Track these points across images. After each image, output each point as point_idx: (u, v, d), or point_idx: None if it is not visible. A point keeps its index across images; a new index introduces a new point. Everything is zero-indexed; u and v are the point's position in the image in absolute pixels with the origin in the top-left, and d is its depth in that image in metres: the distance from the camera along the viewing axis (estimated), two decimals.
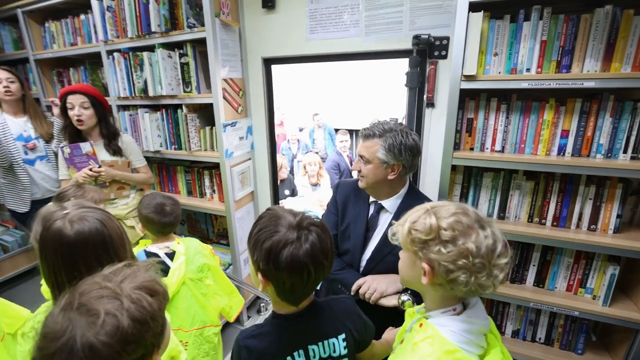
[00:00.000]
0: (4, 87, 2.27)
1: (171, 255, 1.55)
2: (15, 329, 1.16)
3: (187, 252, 1.56)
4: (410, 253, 0.82)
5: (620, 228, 1.52)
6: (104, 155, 2.11)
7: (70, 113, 2.01)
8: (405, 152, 1.31)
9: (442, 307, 0.80)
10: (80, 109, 2.00)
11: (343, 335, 0.97)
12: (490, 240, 0.74)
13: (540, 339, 1.79)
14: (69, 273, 0.87)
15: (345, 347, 0.97)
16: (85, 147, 2.03)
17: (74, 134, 2.08)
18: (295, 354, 0.92)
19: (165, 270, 1.51)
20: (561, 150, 1.54)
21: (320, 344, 0.95)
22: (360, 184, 1.43)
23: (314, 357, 0.94)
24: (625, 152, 1.45)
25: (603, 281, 1.55)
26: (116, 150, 2.13)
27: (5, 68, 2.30)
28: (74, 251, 0.86)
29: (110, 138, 2.13)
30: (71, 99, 2.00)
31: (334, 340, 0.96)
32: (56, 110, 2.28)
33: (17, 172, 2.36)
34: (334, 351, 0.96)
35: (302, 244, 0.83)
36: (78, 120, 2.01)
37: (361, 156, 1.38)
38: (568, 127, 1.51)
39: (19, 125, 2.37)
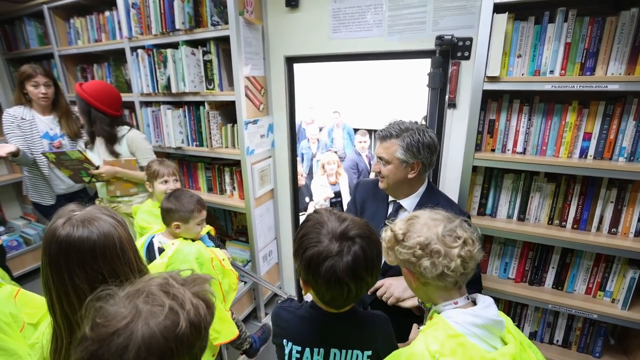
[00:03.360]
0: (42, 93, 2.41)
1: (162, 251, 1.63)
2: (36, 320, 1.22)
3: (174, 256, 1.58)
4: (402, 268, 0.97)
5: None
6: (105, 155, 2.22)
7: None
8: (423, 149, 1.38)
9: (443, 301, 0.90)
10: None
11: (369, 352, 0.99)
12: (442, 228, 0.88)
13: (557, 341, 1.85)
14: (54, 275, 0.90)
15: None
16: (74, 153, 2.08)
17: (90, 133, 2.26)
18: (316, 350, 0.97)
19: (152, 260, 1.62)
20: (583, 152, 1.60)
21: (343, 351, 0.98)
22: (381, 185, 1.50)
23: None
24: None
25: (623, 285, 1.61)
26: (112, 152, 2.23)
27: (44, 72, 2.42)
28: (58, 253, 0.88)
29: (108, 140, 2.23)
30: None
31: (358, 352, 0.98)
32: None
33: (41, 168, 2.50)
34: None
35: (343, 257, 0.83)
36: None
37: (380, 157, 1.45)
38: (591, 129, 1.56)
39: (46, 123, 2.51)
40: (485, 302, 0.88)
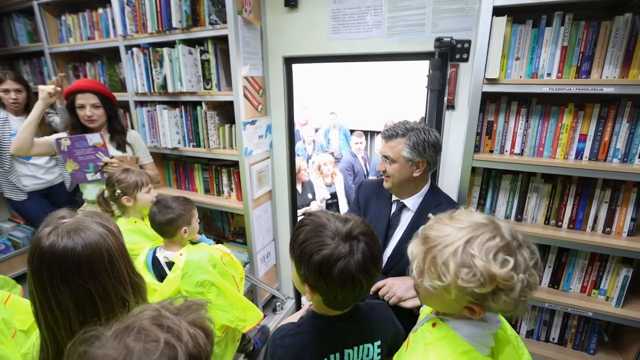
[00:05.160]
0: (13, 99, 2.50)
1: (171, 265, 1.61)
2: (27, 326, 1.20)
3: (187, 266, 1.57)
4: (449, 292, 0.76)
5: (634, 231, 1.64)
6: (111, 150, 2.22)
7: (81, 113, 2.11)
8: (428, 148, 1.45)
9: (464, 317, 0.82)
10: (91, 109, 2.11)
11: (378, 342, 1.03)
12: (532, 262, 0.75)
13: (553, 339, 1.92)
14: (37, 288, 0.87)
15: (378, 354, 1.03)
16: (93, 138, 2.07)
17: (81, 131, 2.18)
18: (332, 356, 0.99)
19: (163, 276, 1.60)
20: (579, 154, 1.67)
21: (355, 348, 1.00)
22: (386, 185, 1.55)
23: None
24: None
25: (616, 283, 1.68)
26: (120, 144, 2.25)
27: (14, 78, 2.51)
28: (41, 266, 0.85)
29: (118, 133, 2.27)
30: (82, 99, 2.09)
31: (369, 345, 1.02)
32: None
33: (4, 163, 2.58)
34: (367, 355, 1.02)
35: (354, 256, 0.84)
36: (89, 120, 2.13)
37: (386, 157, 1.50)
38: (586, 131, 1.63)
39: (19, 123, 2.55)
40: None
